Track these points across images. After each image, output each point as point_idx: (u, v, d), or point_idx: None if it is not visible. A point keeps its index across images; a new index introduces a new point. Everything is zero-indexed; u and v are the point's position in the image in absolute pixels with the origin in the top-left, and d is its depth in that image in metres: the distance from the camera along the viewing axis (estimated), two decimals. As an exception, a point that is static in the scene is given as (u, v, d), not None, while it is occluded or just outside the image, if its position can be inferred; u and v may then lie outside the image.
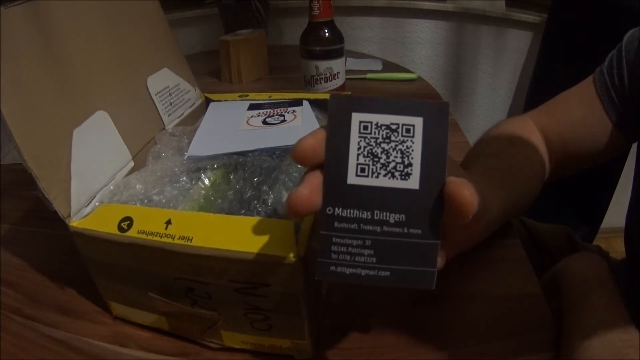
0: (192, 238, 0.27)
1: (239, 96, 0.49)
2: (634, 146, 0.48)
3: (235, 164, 0.36)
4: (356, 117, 0.21)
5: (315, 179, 0.21)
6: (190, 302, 0.30)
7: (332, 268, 0.21)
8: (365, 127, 0.21)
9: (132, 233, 0.28)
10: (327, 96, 0.47)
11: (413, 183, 0.21)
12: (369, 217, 0.21)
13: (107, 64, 0.38)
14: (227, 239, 0.27)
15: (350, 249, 0.21)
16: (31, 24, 0.31)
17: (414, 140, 0.21)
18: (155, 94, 0.43)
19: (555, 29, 1.00)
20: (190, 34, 1.22)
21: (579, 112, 0.46)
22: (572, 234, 0.63)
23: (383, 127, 0.21)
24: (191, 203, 0.34)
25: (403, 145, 0.21)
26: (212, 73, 0.93)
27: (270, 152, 0.37)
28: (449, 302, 0.36)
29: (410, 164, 0.21)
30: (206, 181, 0.35)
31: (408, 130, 0.21)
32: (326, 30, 0.66)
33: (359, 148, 0.21)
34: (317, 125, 0.41)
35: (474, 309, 0.36)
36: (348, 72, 0.79)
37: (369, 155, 0.21)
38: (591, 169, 0.48)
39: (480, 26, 1.26)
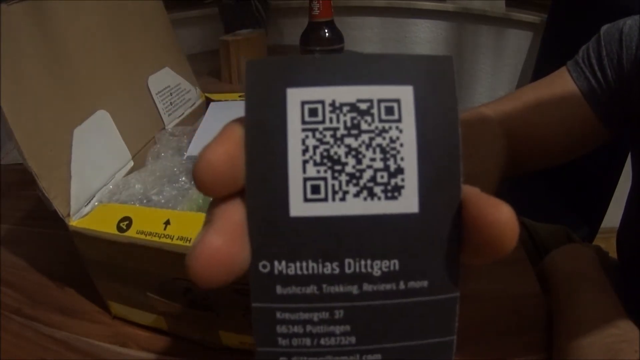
0: (190, 239, 0.27)
1: (239, 96, 0.49)
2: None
3: (234, 164, 0.36)
4: (295, 96, 0.12)
5: (235, 215, 0.12)
6: (188, 302, 0.30)
7: None
8: (314, 112, 0.12)
9: (130, 233, 0.28)
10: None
11: (408, 203, 0.13)
12: (337, 270, 0.13)
13: (109, 63, 0.38)
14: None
15: (309, 327, 0.13)
16: (32, 22, 0.31)
17: (402, 126, 0.13)
18: (156, 94, 0.43)
19: (555, 29, 1.00)
20: (190, 34, 1.22)
21: (550, 99, 0.43)
22: (572, 234, 0.63)
23: (345, 109, 0.13)
24: (190, 203, 0.34)
25: (384, 138, 0.13)
26: (212, 73, 0.93)
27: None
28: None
29: (400, 170, 0.13)
30: (205, 181, 0.35)
31: (390, 110, 0.13)
32: (326, 30, 0.66)
33: (306, 150, 0.12)
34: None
35: (474, 309, 0.36)
36: (348, 72, 0.79)
37: (325, 160, 0.12)
38: (591, 168, 0.47)
39: (480, 26, 1.26)
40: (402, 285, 0.13)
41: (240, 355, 0.33)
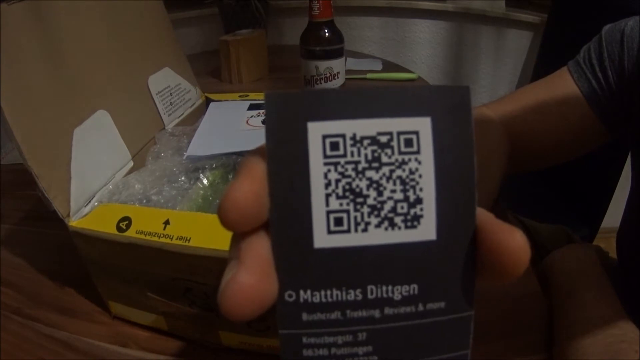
0: (190, 238, 0.27)
1: (239, 96, 0.49)
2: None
3: (233, 164, 0.36)
4: (316, 130, 0.13)
5: (261, 250, 0.13)
6: (188, 302, 0.31)
7: None
8: (335, 146, 0.13)
9: (130, 233, 0.28)
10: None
11: (427, 231, 0.13)
12: (359, 297, 0.13)
13: (109, 63, 0.38)
14: (225, 240, 0.26)
15: (334, 350, 0.13)
16: (33, 22, 0.31)
17: (420, 157, 0.13)
18: (156, 94, 0.43)
19: (555, 29, 1.00)
20: (190, 34, 1.22)
21: (551, 100, 0.42)
22: (572, 234, 0.63)
23: (366, 142, 0.13)
24: (189, 203, 0.34)
25: (404, 170, 0.13)
26: (212, 73, 0.93)
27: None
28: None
29: (419, 200, 0.13)
30: (205, 181, 0.35)
31: (409, 142, 0.13)
32: (326, 30, 0.66)
33: (328, 184, 0.13)
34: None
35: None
36: (348, 72, 0.79)
37: (347, 194, 0.13)
38: (591, 168, 0.47)
39: (480, 26, 1.26)
40: (420, 307, 0.13)
41: (241, 356, 0.33)
